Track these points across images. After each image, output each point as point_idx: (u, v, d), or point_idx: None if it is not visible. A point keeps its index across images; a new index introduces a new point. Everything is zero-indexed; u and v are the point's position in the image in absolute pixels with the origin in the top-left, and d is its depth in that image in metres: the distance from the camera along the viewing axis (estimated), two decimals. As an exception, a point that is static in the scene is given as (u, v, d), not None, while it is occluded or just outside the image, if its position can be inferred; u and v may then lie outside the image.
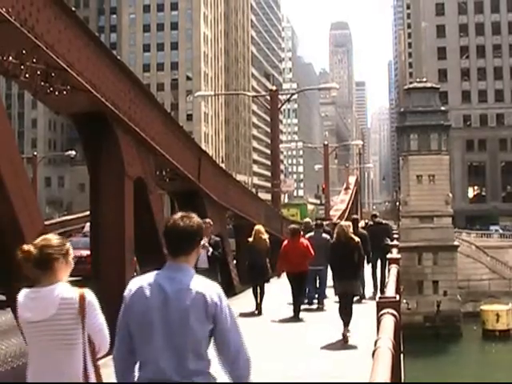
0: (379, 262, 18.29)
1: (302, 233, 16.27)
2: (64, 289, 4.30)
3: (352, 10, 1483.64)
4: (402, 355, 10.00)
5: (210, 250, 12.91)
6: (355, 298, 13.19)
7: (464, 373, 38.89)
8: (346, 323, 11.88)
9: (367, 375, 4.26)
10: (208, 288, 3.96)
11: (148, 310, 3.88)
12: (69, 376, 4.21)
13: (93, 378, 4.27)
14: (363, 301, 16.26)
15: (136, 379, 3.92)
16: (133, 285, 4.02)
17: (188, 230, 4.01)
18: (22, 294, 4.45)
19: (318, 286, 16.75)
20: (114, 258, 11.57)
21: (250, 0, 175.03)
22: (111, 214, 11.78)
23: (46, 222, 15.51)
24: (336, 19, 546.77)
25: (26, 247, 4.45)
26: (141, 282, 3.99)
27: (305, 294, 15.98)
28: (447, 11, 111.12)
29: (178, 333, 3.86)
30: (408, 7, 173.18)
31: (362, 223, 22.29)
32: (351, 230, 13.42)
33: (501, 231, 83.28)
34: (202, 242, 9.69)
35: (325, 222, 23.76)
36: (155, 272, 4.03)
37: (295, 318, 14.58)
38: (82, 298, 4.27)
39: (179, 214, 4.10)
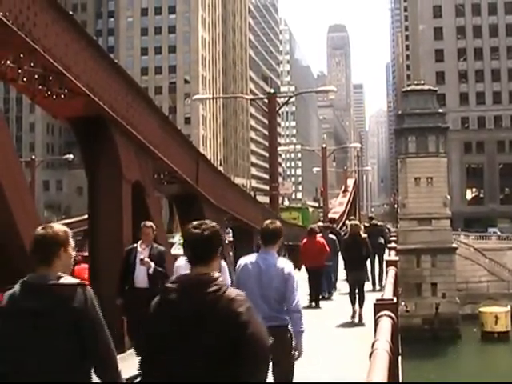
0: (376, 259, 20.44)
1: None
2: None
3: (350, 12, 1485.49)
4: (399, 357, 10.02)
5: (152, 266, 9.64)
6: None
7: (463, 375, 38.88)
8: (361, 305, 14.47)
9: (364, 377, 4.28)
10: (285, 265, 6.76)
11: (250, 276, 6.70)
12: None
13: None
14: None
15: None
16: (241, 261, 6.95)
17: (275, 231, 6.95)
18: (183, 261, 6.90)
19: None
20: (112, 261, 11.57)
21: (247, 3, 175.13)
22: (109, 217, 11.78)
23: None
24: (334, 22, 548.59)
25: None
26: (245, 260, 6.90)
27: (321, 285, 17.75)
28: (444, 13, 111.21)
29: (267, 290, 6.62)
30: (405, 10, 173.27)
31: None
32: (361, 227, 16.46)
33: (499, 233, 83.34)
34: (141, 257, 9.57)
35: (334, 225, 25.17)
36: (255, 254, 7.01)
37: (316, 306, 16.51)
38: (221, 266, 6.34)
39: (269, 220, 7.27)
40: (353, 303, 14.80)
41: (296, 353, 6.70)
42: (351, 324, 14.35)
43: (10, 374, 3.91)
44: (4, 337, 3.98)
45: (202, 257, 3.88)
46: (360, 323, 14.06)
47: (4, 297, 4.11)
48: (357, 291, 14.79)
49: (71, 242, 4.29)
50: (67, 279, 4.10)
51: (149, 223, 10.22)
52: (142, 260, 9.64)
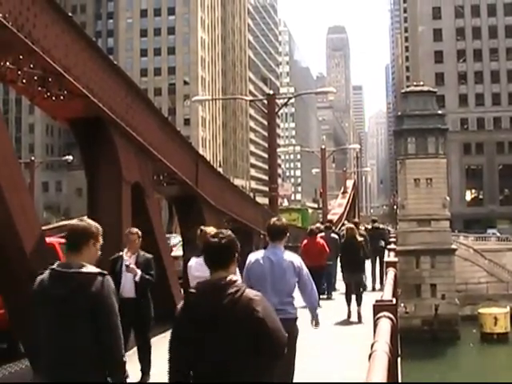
0: (378, 260, 21.41)
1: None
2: None
3: (349, 14, 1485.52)
4: (399, 359, 10.02)
5: (139, 273, 9.05)
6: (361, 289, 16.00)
7: (462, 376, 38.88)
8: (359, 303, 14.87)
9: (363, 377, 4.28)
10: (294, 258, 7.23)
11: (263, 270, 7.01)
12: None
13: None
14: (365, 292, 18.25)
15: None
16: (252, 257, 7.28)
17: (282, 228, 7.32)
18: (194, 261, 8.13)
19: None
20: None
21: (246, 4, 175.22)
22: (109, 218, 11.77)
23: (44, 227, 15.48)
24: (333, 23, 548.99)
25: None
26: (256, 256, 7.24)
27: (321, 285, 17.83)
28: (444, 15, 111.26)
29: (279, 283, 6.95)
30: (405, 11, 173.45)
31: (361, 227, 25.19)
32: (357, 231, 16.87)
33: (498, 234, 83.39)
34: (127, 263, 9.05)
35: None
36: (263, 250, 7.45)
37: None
38: None
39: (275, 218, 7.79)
40: (348, 304, 15.12)
41: (314, 324, 7.62)
42: (350, 324, 14.40)
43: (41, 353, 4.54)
44: (42, 317, 4.61)
45: (221, 263, 4.30)
46: (359, 322, 14.41)
47: (35, 281, 4.65)
48: (354, 291, 15.28)
49: (101, 238, 4.91)
50: (89, 268, 4.57)
51: (134, 230, 9.61)
52: (127, 266, 9.06)
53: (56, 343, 4.49)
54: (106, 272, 4.67)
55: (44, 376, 4.61)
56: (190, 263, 8.63)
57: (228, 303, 4.08)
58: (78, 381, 4.42)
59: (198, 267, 7.34)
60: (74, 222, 4.85)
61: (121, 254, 9.42)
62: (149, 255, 9.52)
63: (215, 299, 4.10)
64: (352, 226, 17.09)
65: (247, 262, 7.27)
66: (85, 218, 4.97)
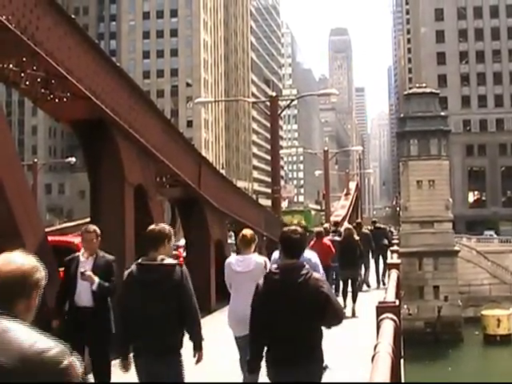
0: (381, 258, 22.86)
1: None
2: (257, 256, 8.07)
3: (351, 15, 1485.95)
4: (402, 360, 10.00)
5: (96, 280, 7.83)
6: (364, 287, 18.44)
7: (465, 378, 38.83)
8: (354, 300, 15.95)
9: (367, 379, 4.28)
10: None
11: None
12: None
13: None
14: (369, 289, 20.94)
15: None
16: (275, 254, 8.97)
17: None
18: (233, 258, 8.28)
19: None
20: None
21: (249, 6, 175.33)
22: (112, 220, 11.79)
23: (47, 229, 15.49)
24: (335, 25, 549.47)
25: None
26: (231, 259, 8.18)
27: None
28: (446, 16, 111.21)
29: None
30: (407, 13, 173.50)
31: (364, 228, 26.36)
32: (355, 231, 18.28)
33: (495, 236, 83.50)
34: (82, 270, 7.96)
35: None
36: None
37: None
38: (265, 262, 7.90)
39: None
40: (344, 298, 16.12)
41: None
42: (354, 324, 14.37)
43: (137, 327, 5.66)
44: (130, 300, 6.09)
45: (296, 252, 5.75)
46: (353, 316, 15.23)
47: (124, 273, 6.29)
48: (350, 288, 16.56)
49: (173, 238, 6.39)
50: (168, 260, 6.12)
51: (92, 227, 8.38)
52: (82, 274, 7.80)
53: (149, 316, 5.95)
54: (181, 263, 6.40)
55: (140, 342, 6.07)
56: (229, 260, 8.61)
57: (301, 281, 5.45)
58: (165, 339, 5.97)
59: (238, 263, 8.04)
60: (152, 226, 6.37)
61: (76, 254, 8.20)
62: (110, 257, 8.23)
63: (291, 277, 5.48)
64: (350, 226, 18.94)
65: (272, 258, 9.28)
66: (161, 224, 6.67)
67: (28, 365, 2.27)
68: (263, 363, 5.70)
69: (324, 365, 5.90)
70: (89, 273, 7.81)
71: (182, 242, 25.58)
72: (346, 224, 26.40)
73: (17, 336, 2.34)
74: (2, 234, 8.74)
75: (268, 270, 6.27)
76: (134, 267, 6.18)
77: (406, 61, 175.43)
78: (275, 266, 5.96)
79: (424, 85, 62.94)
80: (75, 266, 8.00)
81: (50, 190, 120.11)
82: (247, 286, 7.09)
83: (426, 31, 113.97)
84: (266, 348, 5.62)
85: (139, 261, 6.20)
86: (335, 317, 5.59)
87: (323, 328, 5.71)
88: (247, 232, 8.26)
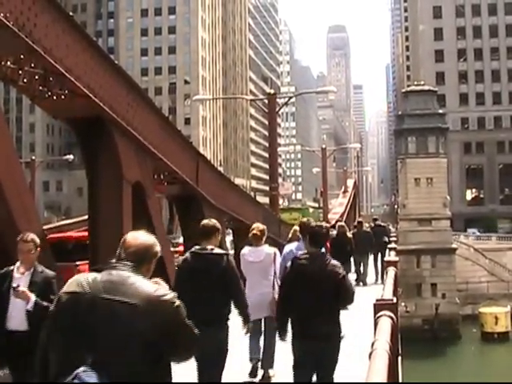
0: (379, 255, 23.63)
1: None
2: (267, 247, 9.15)
3: (349, 13, 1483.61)
4: (399, 358, 10.01)
5: (32, 299, 6.54)
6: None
7: (463, 375, 38.88)
8: None
9: (363, 376, 4.29)
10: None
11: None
12: (267, 289, 8.93)
13: (276, 293, 8.48)
14: (368, 285, 21.81)
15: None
16: (287, 248, 10.86)
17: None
18: (247, 249, 9.12)
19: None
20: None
21: (247, 4, 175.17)
22: (109, 217, 11.79)
23: (45, 227, 15.48)
24: (333, 22, 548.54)
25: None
26: (290, 247, 10.59)
27: None
28: (444, 14, 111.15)
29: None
30: (405, 10, 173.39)
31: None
32: (347, 229, 20.03)
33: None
34: (14, 285, 6.59)
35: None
36: (296, 243, 10.76)
37: None
38: (274, 253, 9.11)
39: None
40: None
41: None
42: (351, 322, 14.37)
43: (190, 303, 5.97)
44: (185, 283, 6.93)
45: (321, 243, 7.27)
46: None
47: (179, 260, 7.51)
48: None
49: (221, 231, 7.49)
50: (217, 250, 7.17)
51: (30, 236, 6.97)
52: (15, 289, 6.53)
53: (201, 297, 6.80)
54: (229, 252, 7.78)
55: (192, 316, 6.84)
56: (243, 251, 9.45)
57: (323, 266, 6.88)
58: (215, 318, 6.97)
59: (251, 254, 8.98)
60: (205, 221, 7.49)
61: (11, 268, 6.92)
62: (50, 273, 6.95)
63: (317, 262, 6.91)
64: (343, 223, 20.67)
65: (284, 251, 10.79)
66: (211, 218, 7.81)
67: (152, 304, 3.35)
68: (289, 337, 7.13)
69: (342, 335, 7.13)
70: (22, 288, 6.54)
71: (180, 240, 25.63)
72: (339, 222, 27.48)
73: (143, 285, 3.41)
74: (0, 231, 8.75)
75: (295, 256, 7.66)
76: (188, 255, 7.28)
77: (404, 58, 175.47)
78: (301, 252, 7.58)
79: (422, 82, 62.94)
80: (8, 283, 6.71)
81: (47, 187, 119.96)
82: (259, 274, 8.59)
83: (424, 29, 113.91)
84: (291, 323, 7.04)
85: (193, 249, 7.28)
86: (348, 295, 6.94)
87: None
88: (258, 226, 9.31)
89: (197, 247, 7.25)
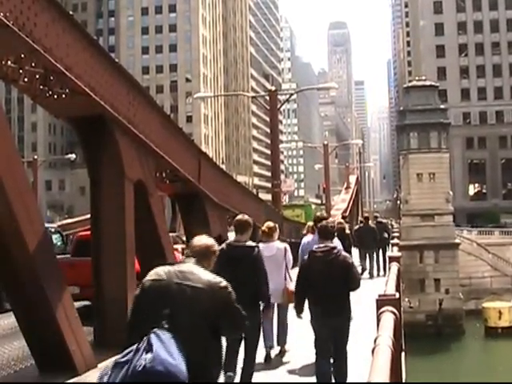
0: (381, 251, 24.49)
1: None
2: (278, 243, 10.53)
3: (350, 9, 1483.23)
4: (403, 353, 10.02)
5: None
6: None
7: (466, 370, 38.90)
8: None
9: (366, 372, 4.29)
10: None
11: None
12: (279, 280, 10.28)
13: (288, 283, 10.44)
14: (373, 278, 22.65)
15: None
16: (305, 240, 12.72)
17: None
18: (260, 244, 9.48)
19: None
20: (116, 260, 11.57)
21: (248, 1, 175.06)
22: (112, 216, 11.79)
23: (47, 226, 15.47)
24: (334, 19, 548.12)
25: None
26: (308, 239, 12.54)
27: None
28: (445, 9, 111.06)
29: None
30: (406, 5, 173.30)
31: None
32: (346, 225, 20.61)
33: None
34: None
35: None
36: (311, 236, 12.52)
37: None
38: (285, 248, 10.51)
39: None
40: None
41: None
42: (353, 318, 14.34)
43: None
44: (221, 270, 6.92)
45: (331, 237, 8.61)
46: None
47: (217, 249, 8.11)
48: None
49: (252, 226, 8.61)
50: (249, 243, 8.42)
51: None
52: None
53: (234, 281, 6.93)
54: (259, 245, 8.92)
55: None
56: (261, 246, 9.97)
57: (335, 257, 8.23)
58: (247, 298, 7.14)
59: (264, 249, 9.39)
60: (240, 216, 8.70)
61: None
62: None
63: (330, 254, 8.25)
64: (342, 221, 21.14)
65: (301, 243, 12.59)
66: (244, 215, 8.87)
67: (212, 288, 4.36)
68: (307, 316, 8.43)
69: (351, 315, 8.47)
70: None
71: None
72: (338, 218, 28.04)
73: (204, 273, 4.43)
74: (1, 230, 8.75)
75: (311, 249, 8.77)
76: (224, 246, 8.26)
77: (406, 54, 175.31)
78: (316, 246, 8.58)
79: (423, 78, 62.98)
80: None
81: (50, 186, 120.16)
82: (271, 267, 9.22)
83: (425, 24, 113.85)
84: (309, 305, 8.32)
85: (228, 241, 8.55)
86: (355, 280, 8.29)
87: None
88: (268, 224, 10.62)
89: (232, 239, 8.57)
